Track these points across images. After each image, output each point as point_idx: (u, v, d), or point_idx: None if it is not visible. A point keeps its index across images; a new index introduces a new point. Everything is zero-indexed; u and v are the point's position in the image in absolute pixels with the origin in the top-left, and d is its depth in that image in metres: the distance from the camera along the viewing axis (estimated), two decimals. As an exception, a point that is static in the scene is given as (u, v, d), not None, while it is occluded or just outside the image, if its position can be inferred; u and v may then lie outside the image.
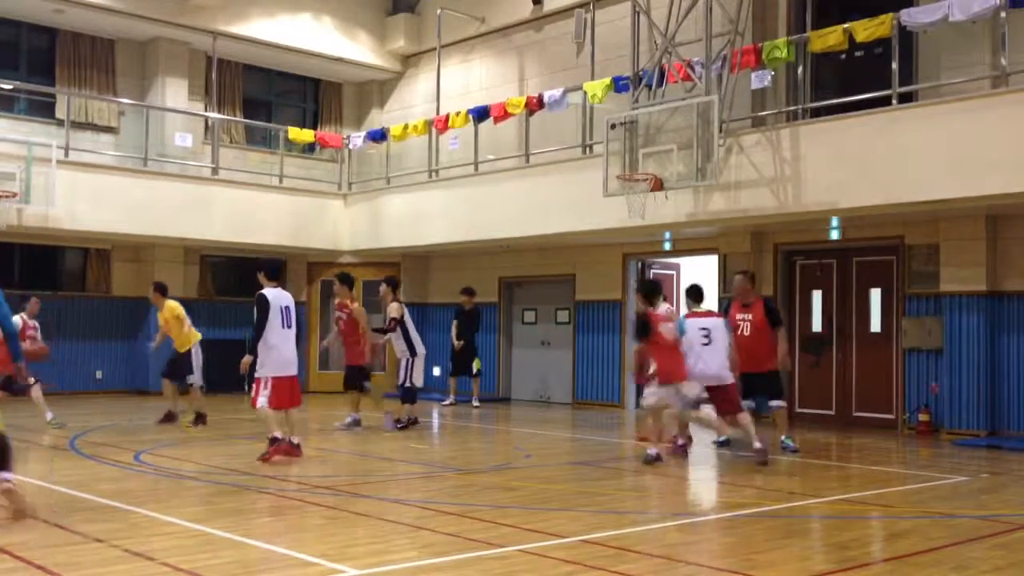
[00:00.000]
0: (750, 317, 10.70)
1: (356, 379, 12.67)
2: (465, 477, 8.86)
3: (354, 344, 12.66)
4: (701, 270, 16.62)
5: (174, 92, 18.23)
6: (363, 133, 19.10)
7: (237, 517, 6.92)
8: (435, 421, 14.40)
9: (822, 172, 12.11)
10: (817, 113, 12.87)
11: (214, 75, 18.39)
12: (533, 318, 18.22)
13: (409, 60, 20.36)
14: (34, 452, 9.99)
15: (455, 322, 16.77)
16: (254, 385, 9.43)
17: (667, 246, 15.85)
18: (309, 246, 18.65)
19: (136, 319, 18.09)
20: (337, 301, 12.74)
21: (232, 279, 19.57)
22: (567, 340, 17.43)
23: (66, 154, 15.66)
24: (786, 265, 14.71)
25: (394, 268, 19.12)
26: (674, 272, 17.05)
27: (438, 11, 18.44)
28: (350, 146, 19.13)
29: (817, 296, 14.45)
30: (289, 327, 9.55)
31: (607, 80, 14.46)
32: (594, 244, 16.41)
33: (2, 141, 15.38)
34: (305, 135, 18.89)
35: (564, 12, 16.94)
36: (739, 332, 10.72)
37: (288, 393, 9.50)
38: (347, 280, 12.58)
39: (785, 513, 7.34)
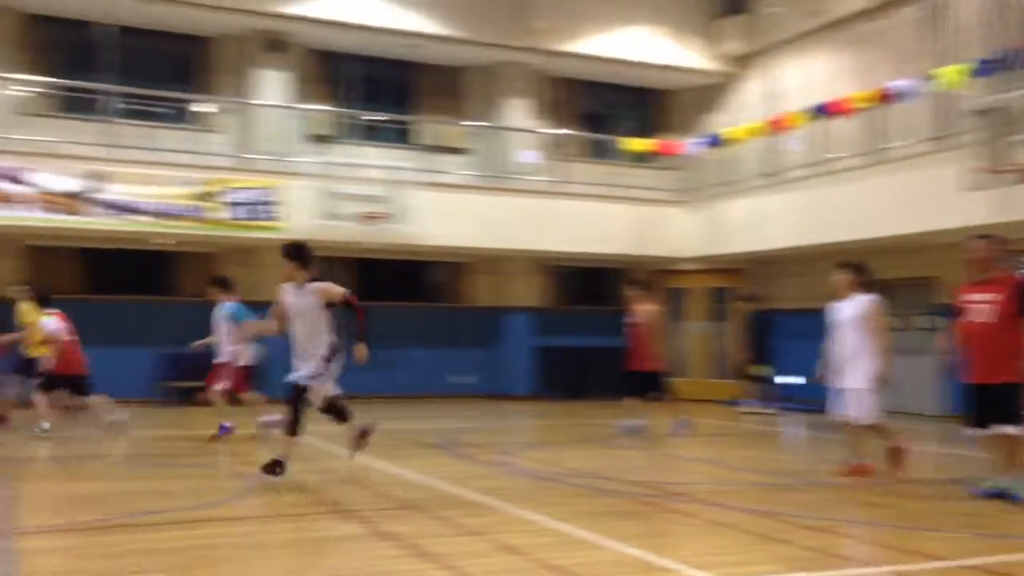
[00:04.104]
0: (990, 298, 7.48)
1: (650, 385, 12.41)
2: (824, 491, 8.50)
3: (647, 348, 12.49)
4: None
5: (517, 112, 19.17)
6: (698, 139, 19.00)
7: (595, 519, 7.05)
8: (789, 430, 14.02)
9: None
10: None
11: (553, 93, 19.12)
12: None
13: (741, 61, 19.95)
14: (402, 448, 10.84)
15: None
16: None
17: (1044, 243, 14.31)
18: (648, 254, 18.85)
19: (491, 328, 19.30)
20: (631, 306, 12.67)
21: (578, 288, 20.52)
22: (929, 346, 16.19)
23: (425, 176, 16.96)
24: None
25: (737, 274, 18.87)
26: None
27: (770, 10, 17.92)
28: (687, 153, 19.09)
29: None
30: None
31: (964, 65, 13.36)
32: (957, 243, 15.13)
33: (373, 168, 16.91)
34: (644, 144, 19.05)
35: (908, -4, 15.88)
36: (969, 319, 7.57)
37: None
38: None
39: None
